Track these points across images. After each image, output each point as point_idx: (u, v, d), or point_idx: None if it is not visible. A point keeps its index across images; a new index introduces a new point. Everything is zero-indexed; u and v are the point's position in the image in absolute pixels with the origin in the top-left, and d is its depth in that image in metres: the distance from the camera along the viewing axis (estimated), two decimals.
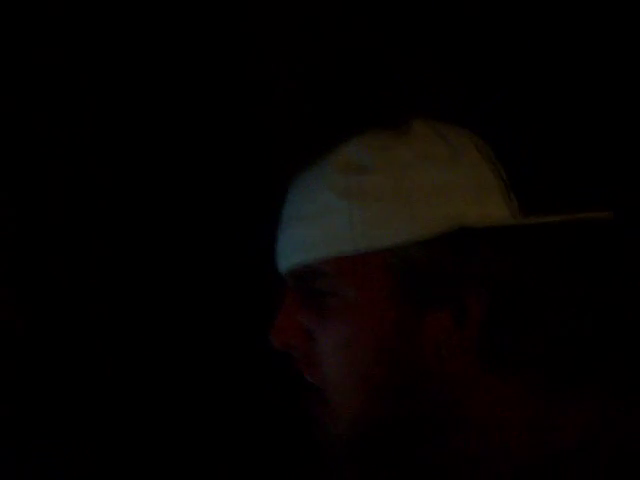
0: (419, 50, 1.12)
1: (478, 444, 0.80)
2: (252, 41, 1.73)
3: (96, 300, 2.25)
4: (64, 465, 1.89)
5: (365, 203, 0.76)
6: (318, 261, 0.78)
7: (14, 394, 1.93)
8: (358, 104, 0.81)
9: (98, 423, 2.08)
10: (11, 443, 1.69)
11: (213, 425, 2.09)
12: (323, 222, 0.78)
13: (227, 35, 1.82)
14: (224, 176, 2.26)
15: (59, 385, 2.14)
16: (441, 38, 1.19)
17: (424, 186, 0.76)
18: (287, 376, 0.82)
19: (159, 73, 2.04)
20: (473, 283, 0.77)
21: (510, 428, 0.79)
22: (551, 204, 0.80)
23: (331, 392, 0.79)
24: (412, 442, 0.80)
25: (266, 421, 1.80)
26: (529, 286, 0.80)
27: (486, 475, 0.79)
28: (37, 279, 2.22)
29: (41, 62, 2.17)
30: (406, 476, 0.83)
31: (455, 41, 1.19)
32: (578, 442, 0.77)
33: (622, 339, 1.16)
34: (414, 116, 0.82)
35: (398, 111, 0.83)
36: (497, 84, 0.93)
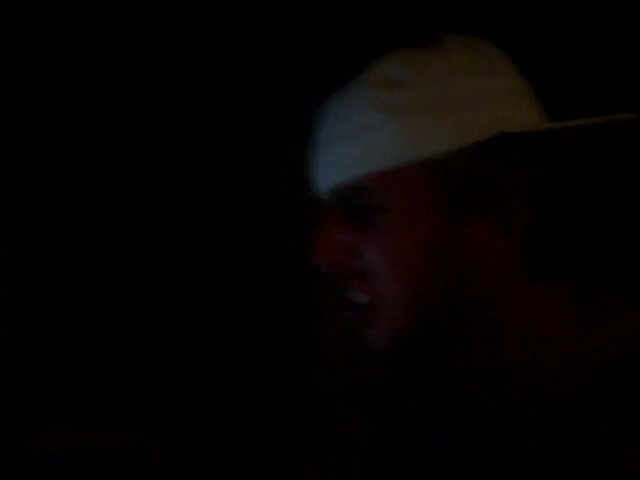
0: None
1: (521, 354, 0.80)
2: None
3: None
4: None
5: (405, 116, 0.77)
6: (362, 177, 0.79)
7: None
8: (390, 22, 0.81)
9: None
10: None
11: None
12: (365, 138, 0.78)
13: None
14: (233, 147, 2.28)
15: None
16: None
17: (462, 95, 0.78)
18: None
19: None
20: (516, 189, 0.78)
21: (554, 338, 0.80)
22: (574, 113, 0.81)
23: (380, 306, 0.80)
24: (457, 354, 0.82)
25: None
26: (572, 192, 0.81)
27: (530, 386, 0.79)
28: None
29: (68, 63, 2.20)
30: (450, 389, 0.85)
31: None
32: (620, 354, 0.77)
33: None
34: (445, 31, 0.83)
35: (429, 27, 0.83)
36: None
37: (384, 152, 0.78)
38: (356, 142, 0.79)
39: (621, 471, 0.71)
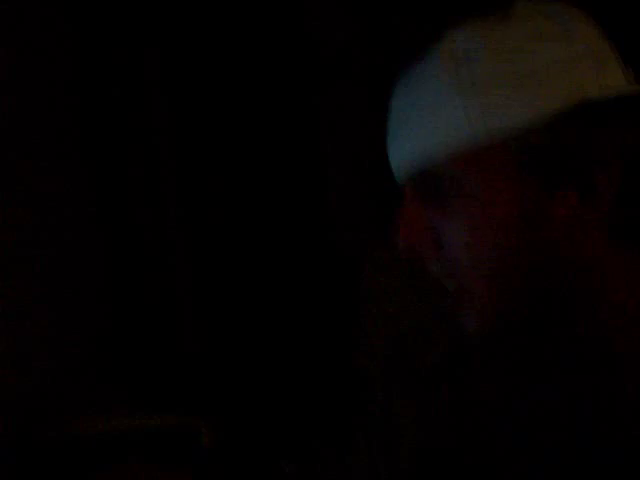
0: None
1: (623, 324, 0.78)
2: None
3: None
4: None
5: (480, 92, 0.75)
6: (439, 158, 0.77)
7: None
8: None
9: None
10: None
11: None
12: (439, 119, 0.76)
13: None
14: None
15: None
16: None
17: (537, 65, 0.74)
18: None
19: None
20: (600, 158, 0.75)
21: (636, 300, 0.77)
22: None
23: (465, 288, 0.78)
24: (546, 328, 0.80)
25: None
26: None
27: (621, 358, 0.77)
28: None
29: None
30: (541, 364, 0.83)
31: None
32: None
33: None
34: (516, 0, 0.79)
35: None
36: None
37: (459, 130, 0.76)
38: (430, 123, 0.77)
39: None
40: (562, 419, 0.80)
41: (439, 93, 0.76)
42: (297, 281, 2.28)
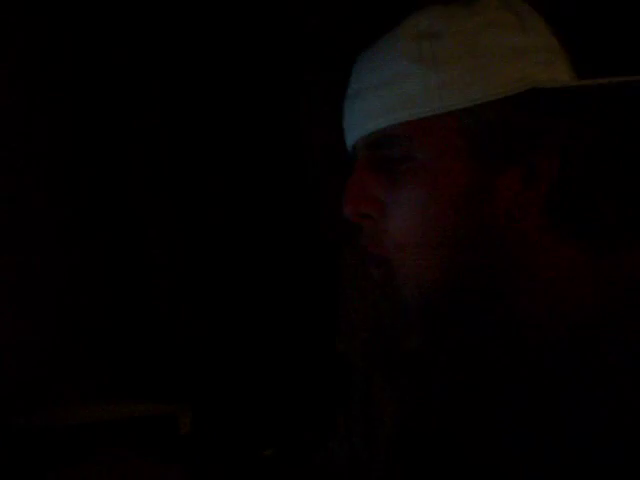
0: None
1: (542, 306, 0.81)
2: None
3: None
4: None
5: (439, 67, 0.79)
6: (393, 126, 0.80)
7: None
8: None
9: None
10: None
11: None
12: (397, 88, 0.80)
13: None
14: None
15: None
16: None
17: (496, 49, 0.79)
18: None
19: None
20: (543, 143, 0.79)
21: (573, 289, 0.80)
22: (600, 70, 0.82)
23: (403, 259, 0.81)
24: (477, 306, 0.82)
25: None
26: (596, 148, 0.82)
27: (547, 337, 0.80)
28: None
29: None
30: (473, 340, 0.86)
31: None
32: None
33: None
34: None
35: None
36: None
37: (415, 101, 0.79)
38: (388, 91, 0.80)
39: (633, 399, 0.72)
40: (531, 398, 0.81)
41: (401, 63, 0.80)
42: (279, 266, 2.28)
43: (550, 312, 0.80)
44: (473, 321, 0.84)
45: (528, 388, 0.82)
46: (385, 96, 0.80)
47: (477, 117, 0.78)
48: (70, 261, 2.24)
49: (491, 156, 0.79)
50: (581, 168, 0.81)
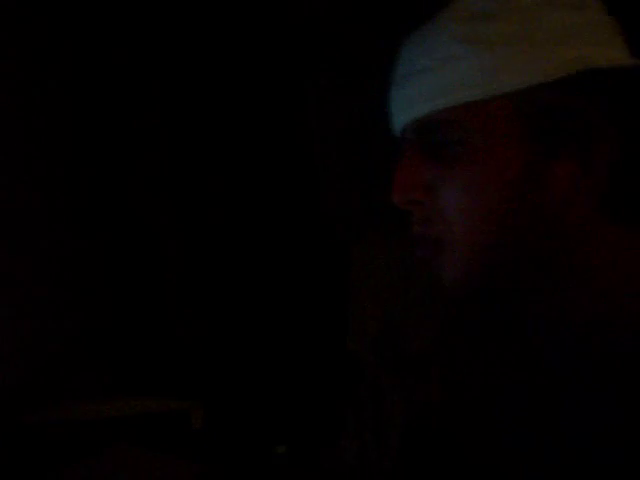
0: None
1: (587, 294, 0.78)
2: None
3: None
4: None
5: (493, 49, 0.76)
6: (444, 110, 0.78)
7: None
8: None
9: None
10: None
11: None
12: (449, 70, 0.77)
13: None
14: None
15: None
16: None
17: (551, 29, 0.76)
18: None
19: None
20: (600, 126, 0.76)
21: (629, 279, 0.77)
22: None
23: (455, 240, 0.78)
24: (529, 289, 0.80)
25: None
26: None
27: (590, 327, 0.78)
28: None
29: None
30: (515, 321, 0.84)
31: None
32: None
33: None
34: None
35: None
36: None
37: (468, 83, 0.76)
38: (439, 74, 0.78)
39: None
40: (545, 399, 0.80)
41: (454, 46, 0.77)
42: (289, 265, 2.28)
43: (593, 302, 0.78)
44: (520, 305, 0.82)
45: (536, 385, 0.80)
46: (438, 79, 0.77)
47: (532, 99, 0.75)
48: (80, 257, 2.24)
49: (546, 140, 0.76)
50: (637, 156, 0.77)
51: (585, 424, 0.75)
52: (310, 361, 2.20)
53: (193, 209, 2.32)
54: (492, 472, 0.85)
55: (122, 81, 2.29)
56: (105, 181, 2.30)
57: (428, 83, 0.78)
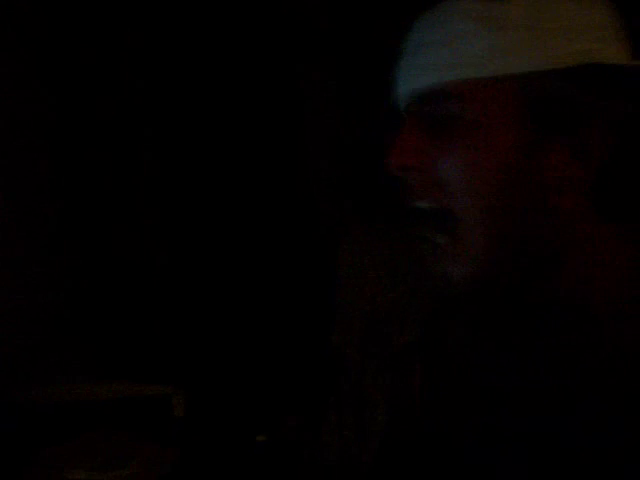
0: None
1: (579, 285, 0.80)
2: None
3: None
4: None
5: (506, 30, 0.78)
6: (452, 82, 0.80)
7: None
8: None
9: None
10: None
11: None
12: (462, 46, 0.79)
13: None
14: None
15: None
16: None
17: (565, 19, 0.78)
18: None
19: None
20: (596, 120, 0.79)
21: (614, 274, 0.79)
22: None
23: (469, 217, 0.80)
24: (522, 276, 0.82)
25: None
26: None
27: (581, 321, 0.79)
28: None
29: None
30: (513, 313, 0.85)
31: None
32: None
33: None
34: None
35: None
36: None
37: (476, 61, 0.79)
38: (451, 48, 0.80)
39: None
40: (538, 399, 0.80)
41: (468, 23, 0.79)
42: (277, 257, 2.28)
43: (580, 293, 0.79)
44: (517, 297, 0.83)
45: (530, 379, 0.81)
46: (448, 52, 0.80)
47: (536, 85, 0.78)
48: (63, 241, 2.25)
49: (544, 127, 0.78)
50: (634, 151, 0.80)
51: (585, 424, 0.75)
52: (294, 351, 2.20)
53: (179, 202, 2.32)
54: (477, 473, 0.85)
55: (122, 80, 2.29)
56: (102, 180, 2.31)
57: (438, 55, 0.80)
